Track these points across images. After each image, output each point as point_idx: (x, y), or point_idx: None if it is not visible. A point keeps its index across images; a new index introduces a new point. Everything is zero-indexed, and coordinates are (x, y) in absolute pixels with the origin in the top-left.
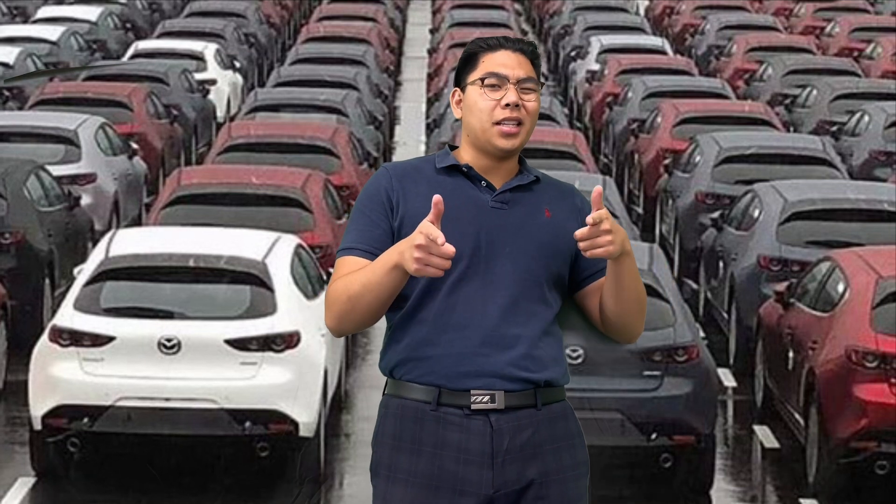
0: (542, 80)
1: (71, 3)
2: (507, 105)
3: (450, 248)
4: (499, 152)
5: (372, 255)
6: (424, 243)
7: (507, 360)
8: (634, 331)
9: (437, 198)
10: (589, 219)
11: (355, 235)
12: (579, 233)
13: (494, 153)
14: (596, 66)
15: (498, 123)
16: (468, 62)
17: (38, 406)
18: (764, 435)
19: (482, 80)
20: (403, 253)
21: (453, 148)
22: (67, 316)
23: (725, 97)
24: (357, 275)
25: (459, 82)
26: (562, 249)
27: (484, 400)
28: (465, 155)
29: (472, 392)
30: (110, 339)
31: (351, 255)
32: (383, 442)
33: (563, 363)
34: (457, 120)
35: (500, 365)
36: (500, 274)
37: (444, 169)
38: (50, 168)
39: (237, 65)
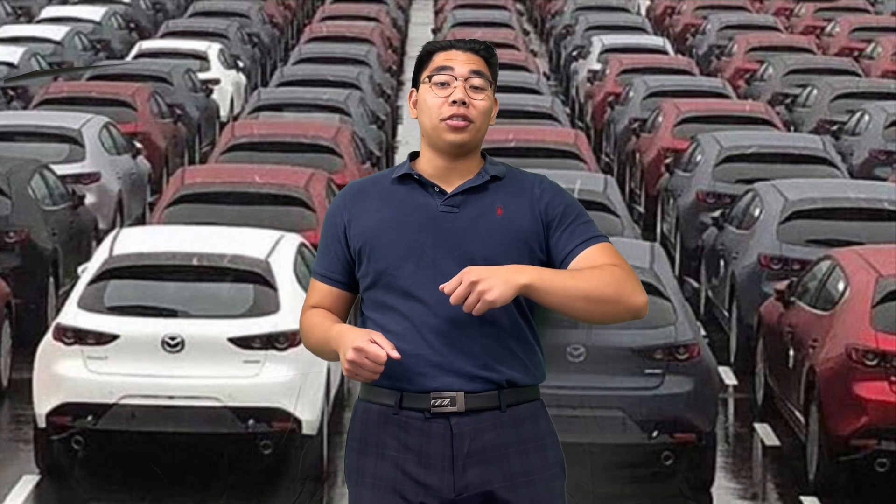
0: (491, 80)
1: (75, 3)
2: (454, 102)
3: (381, 360)
4: (449, 147)
5: (329, 279)
6: (355, 359)
7: (465, 359)
8: (618, 314)
9: (394, 354)
10: (442, 289)
11: (318, 258)
12: (452, 300)
13: (446, 149)
14: (597, 66)
15: (445, 120)
16: (422, 62)
17: (43, 404)
18: (764, 433)
19: (430, 77)
20: (342, 349)
21: (416, 155)
22: (71, 314)
23: (726, 97)
24: (316, 329)
25: (415, 82)
26: (517, 246)
27: (443, 403)
28: (423, 157)
29: (433, 395)
30: (114, 337)
31: (315, 278)
32: (351, 446)
33: (529, 362)
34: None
35: (458, 364)
36: (451, 277)
37: (397, 178)
38: (54, 167)
39: (240, 64)
